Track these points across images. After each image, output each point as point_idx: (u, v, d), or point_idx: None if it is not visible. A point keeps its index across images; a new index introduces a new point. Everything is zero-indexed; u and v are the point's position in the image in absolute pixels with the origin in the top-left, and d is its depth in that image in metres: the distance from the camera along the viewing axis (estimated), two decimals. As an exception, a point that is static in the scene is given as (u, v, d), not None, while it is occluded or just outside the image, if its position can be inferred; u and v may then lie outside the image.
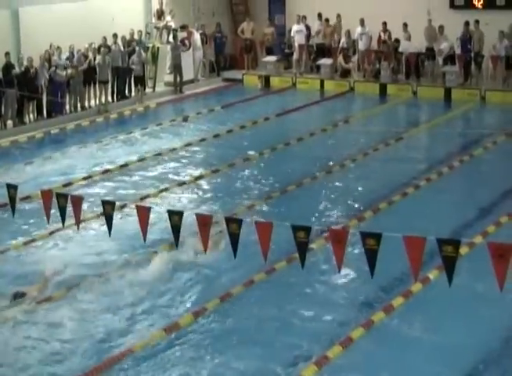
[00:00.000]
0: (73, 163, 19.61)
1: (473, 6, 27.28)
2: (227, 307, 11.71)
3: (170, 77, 28.15)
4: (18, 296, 11.92)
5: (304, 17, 29.11)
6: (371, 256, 8.78)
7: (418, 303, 11.56)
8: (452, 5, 27.63)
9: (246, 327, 11.07)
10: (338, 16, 28.41)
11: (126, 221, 14.35)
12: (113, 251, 13.73)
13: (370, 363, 10.06)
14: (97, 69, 24.64)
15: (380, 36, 27.77)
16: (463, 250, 12.27)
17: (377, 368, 9.94)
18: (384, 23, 27.41)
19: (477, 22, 26.03)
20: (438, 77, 27.06)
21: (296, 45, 28.98)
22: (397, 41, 27.28)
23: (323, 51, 28.91)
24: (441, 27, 26.47)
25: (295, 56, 29.26)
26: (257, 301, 11.85)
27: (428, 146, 21.64)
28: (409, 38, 27.04)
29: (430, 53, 26.90)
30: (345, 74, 28.16)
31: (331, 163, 18.83)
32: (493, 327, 10.90)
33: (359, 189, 17.05)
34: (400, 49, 27.17)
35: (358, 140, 21.55)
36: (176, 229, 9.95)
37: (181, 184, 17.63)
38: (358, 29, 27.84)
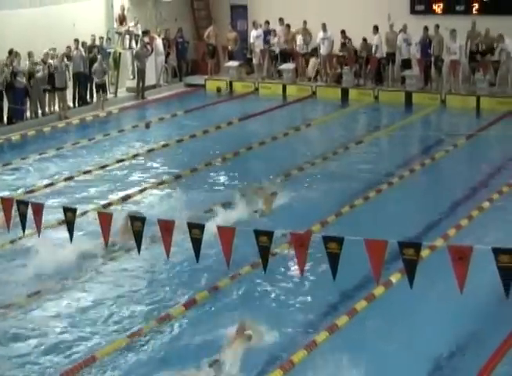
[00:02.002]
0: (35, 169, 19.47)
1: (433, 11, 27.54)
2: (191, 313, 11.70)
3: (131, 83, 28.05)
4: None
5: (267, 22, 29.21)
6: (333, 260, 8.83)
7: (381, 306, 11.63)
8: (413, 11, 27.87)
9: (211, 334, 11.03)
10: (305, 22, 28.44)
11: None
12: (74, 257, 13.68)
13: (335, 366, 10.08)
14: (55, 75, 24.40)
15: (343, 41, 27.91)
16: (425, 253, 12.40)
17: (341, 372, 9.97)
18: (343, 32, 27.59)
19: (437, 26, 26.28)
20: (399, 82, 27.27)
21: (257, 50, 29.06)
22: (364, 40, 27.38)
23: (285, 56, 28.97)
24: (402, 30, 26.75)
25: (255, 61, 29.34)
26: (220, 307, 11.85)
27: (390, 150, 21.77)
28: (380, 41, 27.18)
29: (391, 58, 27.11)
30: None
31: (292, 167, 18.86)
32: (455, 328, 10.99)
33: (320, 193, 17.09)
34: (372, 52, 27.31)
35: (319, 144, 21.71)
36: (138, 234, 9.92)
37: (144, 190, 17.58)
38: (320, 34, 27.95)
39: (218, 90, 28.75)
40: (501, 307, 11.10)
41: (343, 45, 27.79)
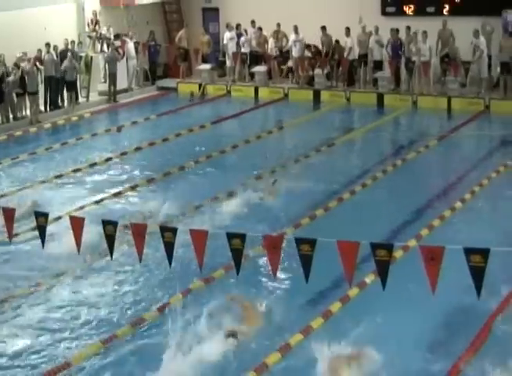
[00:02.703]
0: (7, 175, 19.34)
1: (404, 13, 27.72)
2: (164, 318, 11.66)
3: (103, 86, 27.93)
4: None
5: (239, 25, 29.24)
6: (306, 262, 8.86)
7: (355, 307, 11.66)
8: (384, 12, 28.03)
9: (184, 339, 10.98)
10: (278, 24, 28.49)
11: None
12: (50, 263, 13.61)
13: (309, 369, 10.09)
14: (26, 79, 24.23)
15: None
16: (398, 253, 12.47)
17: (316, 375, 9.97)
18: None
19: (408, 28, 26.44)
20: (371, 83, 27.39)
21: (230, 52, 29.07)
22: (337, 42, 27.51)
23: (257, 58, 29.01)
24: (373, 32, 26.88)
25: (228, 64, 29.34)
26: (193, 311, 11.80)
27: (362, 152, 21.81)
28: (352, 43, 27.27)
29: (363, 60, 27.21)
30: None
31: (265, 170, 18.85)
32: (427, 329, 11.05)
33: (294, 195, 17.10)
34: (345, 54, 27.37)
35: (292, 147, 21.72)
36: (111, 239, 9.89)
37: (117, 194, 17.51)
38: (292, 36, 28.00)
39: (192, 95, 28.63)
40: (473, 307, 11.18)
41: (315, 47, 27.89)
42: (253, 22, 29.06)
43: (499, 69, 25.65)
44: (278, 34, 28.68)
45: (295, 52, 28.07)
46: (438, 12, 27.06)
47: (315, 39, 27.97)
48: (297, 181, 18.03)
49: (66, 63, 25.40)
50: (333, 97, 27.18)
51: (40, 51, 25.19)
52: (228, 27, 29.26)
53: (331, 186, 17.76)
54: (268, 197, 16.76)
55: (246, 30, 29.10)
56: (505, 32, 25.78)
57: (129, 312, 11.93)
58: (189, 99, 28.14)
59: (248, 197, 16.77)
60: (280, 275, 12.15)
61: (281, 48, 28.72)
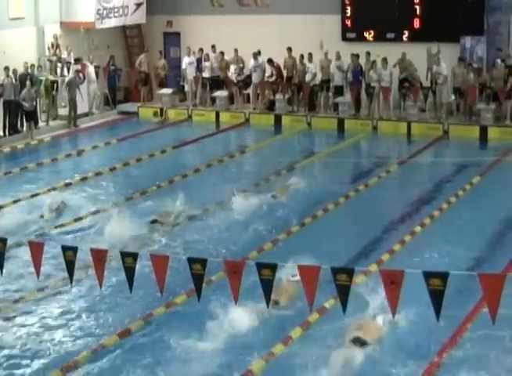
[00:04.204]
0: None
1: (364, 39, 27.97)
2: (126, 343, 11.57)
3: (64, 111, 27.77)
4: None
5: (201, 49, 29.31)
6: (266, 286, 8.86)
7: (315, 333, 11.65)
8: (344, 38, 28.27)
9: (146, 364, 10.93)
10: (235, 50, 28.61)
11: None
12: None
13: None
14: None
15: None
16: (360, 278, 12.51)
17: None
18: (270, 60, 27.91)
19: (367, 54, 26.69)
20: (332, 109, 27.55)
21: (189, 77, 29.08)
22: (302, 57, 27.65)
23: (218, 83, 29.06)
24: (335, 57, 27.07)
25: (187, 88, 29.36)
26: (155, 336, 11.75)
27: (323, 176, 21.85)
28: (315, 68, 27.45)
29: (326, 85, 27.38)
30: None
31: (227, 194, 18.82)
32: (388, 353, 11.06)
33: (256, 221, 17.08)
34: (307, 79, 27.49)
35: (253, 172, 21.77)
36: (70, 265, 9.80)
37: (77, 219, 17.36)
38: (252, 62, 28.12)
39: (155, 114, 28.62)
40: (431, 331, 11.23)
41: (277, 72, 28.05)
42: (213, 46, 29.15)
43: (452, 95, 25.98)
44: (238, 60, 28.75)
45: (255, 78, 28.17)
46: (398, 39, 27.36)
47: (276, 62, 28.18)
48: (259, 205, 18.02)
49: (24, 92, 25.16)
50: (294, 122, 27.30)
51: (2, 87, 24.90)
52: (188, 51, 29.33)
53: (293, 210, 17.77)
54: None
55: (208, 55, 29.16)
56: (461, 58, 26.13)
57: (89, 338, 11.80)
58: (155, 121, 28.17)
59: (212, 222, 16.77)
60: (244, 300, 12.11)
61: (241, 73, 28.80)
